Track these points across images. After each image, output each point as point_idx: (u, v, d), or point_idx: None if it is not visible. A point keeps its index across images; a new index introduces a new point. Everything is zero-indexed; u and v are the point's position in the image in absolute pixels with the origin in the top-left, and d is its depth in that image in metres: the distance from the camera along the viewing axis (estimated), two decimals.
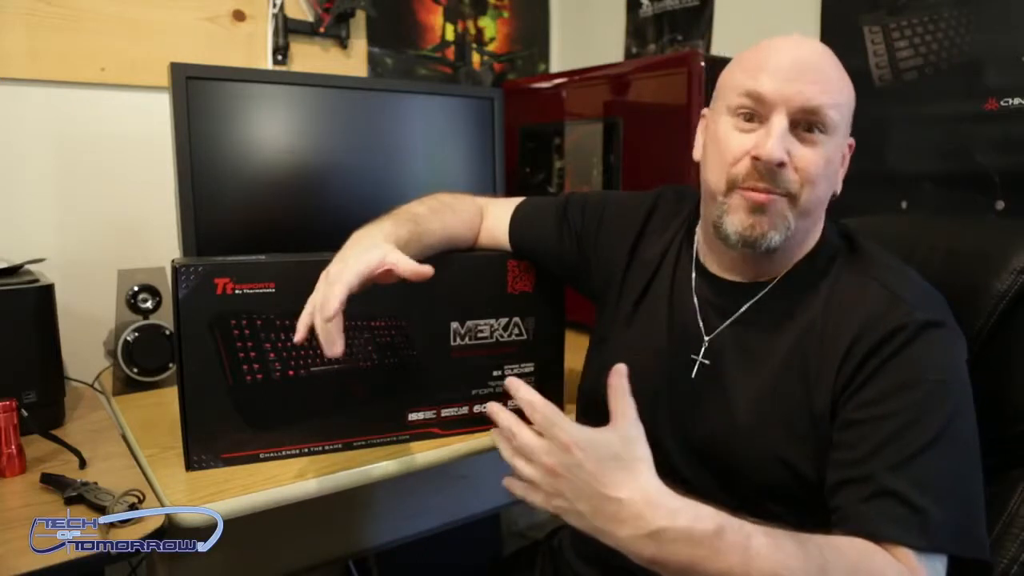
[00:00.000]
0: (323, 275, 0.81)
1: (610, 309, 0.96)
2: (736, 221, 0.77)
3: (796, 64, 0.74)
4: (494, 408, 0.71)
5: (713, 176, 0.80)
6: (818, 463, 0.73)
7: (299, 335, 0.79)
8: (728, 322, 0.84)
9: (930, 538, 0.64)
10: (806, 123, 0.74)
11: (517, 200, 1.08)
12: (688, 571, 0.62)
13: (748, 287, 0.83)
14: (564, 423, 0.66)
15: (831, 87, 0.74)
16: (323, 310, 0.75)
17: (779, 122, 0.73)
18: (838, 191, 0.81)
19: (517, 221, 1.04)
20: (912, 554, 0.63)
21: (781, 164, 0.73)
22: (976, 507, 0.67)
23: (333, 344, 0.76)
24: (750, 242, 0.76)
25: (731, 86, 0.78)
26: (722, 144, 0.78)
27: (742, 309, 0.83)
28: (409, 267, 0.80)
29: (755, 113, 0.76)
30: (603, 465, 0.64)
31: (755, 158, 0.74)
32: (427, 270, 0.80)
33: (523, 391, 0.68)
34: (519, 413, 0.70)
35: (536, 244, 1.03)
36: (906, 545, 0.64)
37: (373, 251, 0.81)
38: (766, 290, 0.82)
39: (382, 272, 0.80)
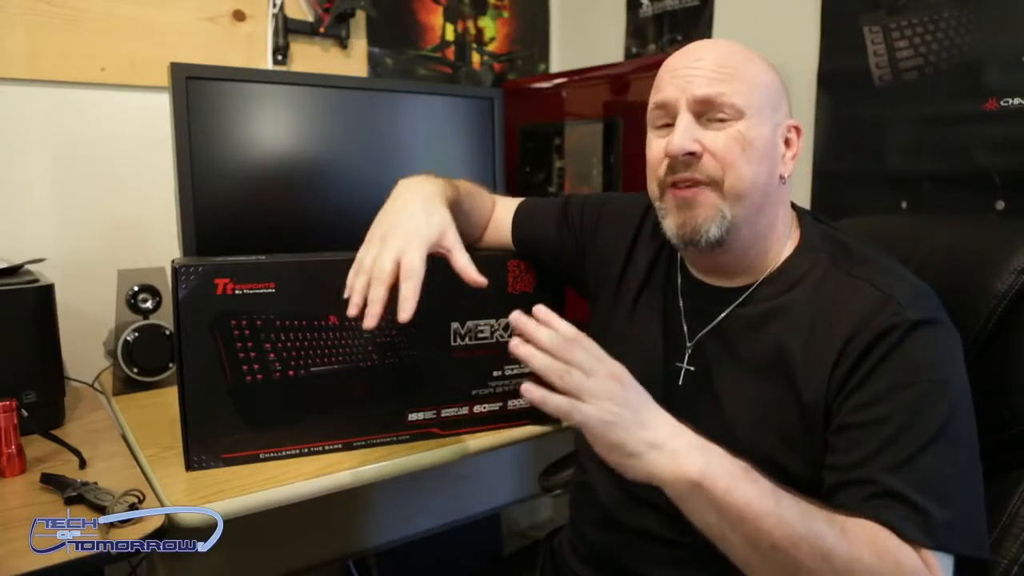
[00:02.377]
0: (377, 235, 0.82)
1: (605, 309, 0.97)
2: (671, 222, 0.80)
3: (689, 63, 0.78)
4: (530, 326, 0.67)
5: (649, 186, 0.84)
6: (810, 463, 0.73)
7: (354, 309, 0.78)
8: (710, 327, 0.84)
9: (935, 537, 0.64)
10: (711, 113, 0.77)
11: (520, 199, 1.10)
12: (728, 495, 0.62)
13: (730, 291, 0.83)
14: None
15: (725, 73, 0.76)
16: (409, 273, 0.77)
17: (682, 117, 0.77)
18: (785, 174, 0.81)
19: (519, 218, 1.06)
20: (929, 553, 0.63)
21: (692, 153, 0.76)
22: (976, 505, 0.67)
23: (409, 309, 0.76)
24: (688, 239, 0.78)
25: (649, 106, 0.83)
26: (648, 155, 0.83)
27: (723, 314, 0.83)
28: (466, 267, 0.83)
29: (668, 120, 0.79)
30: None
31: (668, 155, 0.77)
32: (482, 280, 0.83)
33: (556, 321, 0.66)
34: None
35: (537, 241, 1.04)
36: (917, 543, 0.64)
37: (436, 220, 0.83)
38: (747, 294, 0.82)
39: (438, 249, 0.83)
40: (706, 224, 0.77)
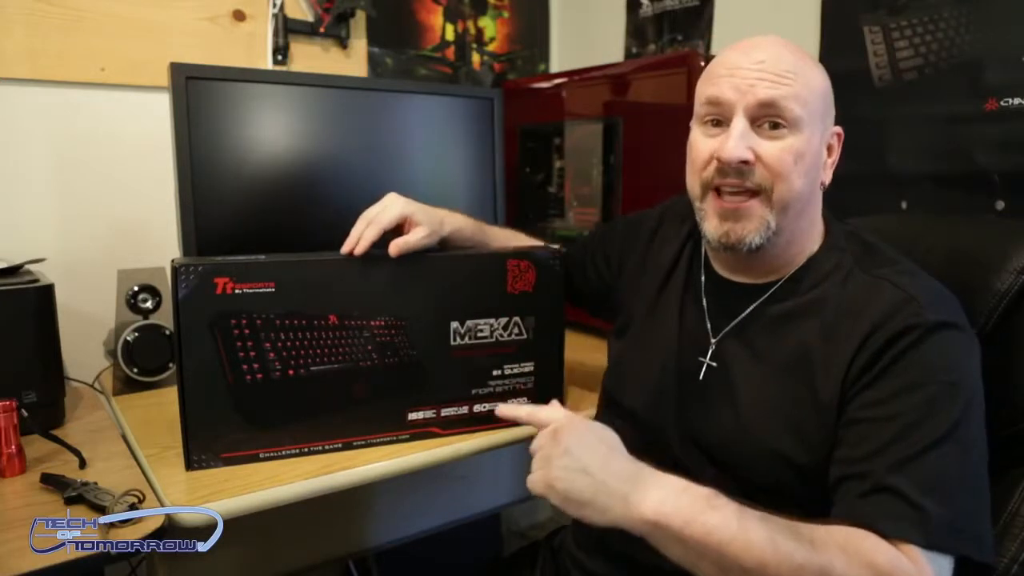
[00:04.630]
0: (393, 198, 0.99)
1: (626, 311, 0.98)
2: (712, 226, 0.79)
3: (750, 63, 0.76)
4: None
5: (690, 183, 0.83)
6: (823, 462, 0.73)
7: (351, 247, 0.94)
8: (734, 324, 0.84)
9: (929, 535, 0.63)
10: (767, 119, 0.75)
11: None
12: (687, 528, 0.64)
13: (754, 288, 0.83)
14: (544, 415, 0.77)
15: (787, 80, 0.75)
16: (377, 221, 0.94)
17: (738, 122, 0.75)
18: (826, 181, 0.82)
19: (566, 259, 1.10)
20: (917, 551, 0.63)
21: (745, 162, 0.75)
22: (980, 508, 0.67)
23: (358, 246, 0.92)
24: (729, 245, 0.78)
25: (698, 97, 0.81)
26: (693, 152, 0.81)
27: (747, 311, 0.83)
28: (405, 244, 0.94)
29: (720, 118, 0.78)
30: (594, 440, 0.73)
31: (718, 160, 0.76)
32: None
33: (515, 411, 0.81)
34: None
35: (577, 285, 1.11)
36: (906, 540, 0.63)
37: (398, 207, 0.96)
38: (771, 291, 0.82)
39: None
40: (749, 233, 0.77)
